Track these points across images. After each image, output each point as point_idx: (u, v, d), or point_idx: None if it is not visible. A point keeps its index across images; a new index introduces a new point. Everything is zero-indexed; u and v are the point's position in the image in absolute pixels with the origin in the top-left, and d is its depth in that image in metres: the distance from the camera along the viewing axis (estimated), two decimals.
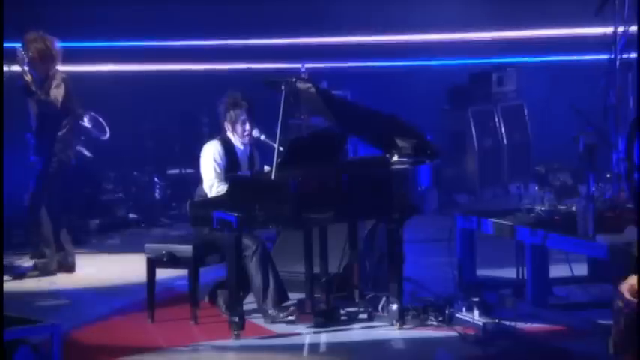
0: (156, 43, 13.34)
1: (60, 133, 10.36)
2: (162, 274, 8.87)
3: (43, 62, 10.30)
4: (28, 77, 10.20)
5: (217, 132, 9.06)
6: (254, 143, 8.97)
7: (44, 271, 10.39)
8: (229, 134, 8.89)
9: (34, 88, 10.18)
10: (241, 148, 8.90)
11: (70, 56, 10.78)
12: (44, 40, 10.32)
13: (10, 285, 9.96)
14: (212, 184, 8.63)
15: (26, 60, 10.23)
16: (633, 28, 9.02)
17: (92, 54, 12.82)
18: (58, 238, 10.49)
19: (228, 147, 8.82)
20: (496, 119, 11.82)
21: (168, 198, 12.72)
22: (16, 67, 10.34)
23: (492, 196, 10.62)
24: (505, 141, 11.88)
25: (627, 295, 4.79)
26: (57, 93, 10.28)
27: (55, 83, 10.30)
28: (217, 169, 8.69)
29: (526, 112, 12.27)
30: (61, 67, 10.46)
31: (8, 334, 6.07)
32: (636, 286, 4.82)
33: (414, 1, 12.72)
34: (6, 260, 10.57)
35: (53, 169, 10.37)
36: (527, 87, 12.14)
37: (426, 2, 12.73)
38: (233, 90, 9.03)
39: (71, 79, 10.52)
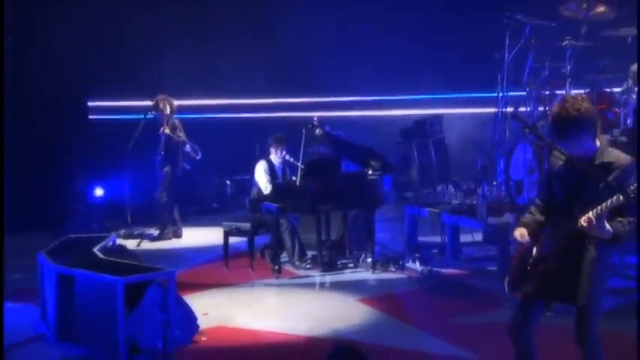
0: (231, 101, 13.33)
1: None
2: (232, 240, 8.82)
3: (169, 113, 10.21)
4: (167, 131, 10.10)
5: (263, 154, 9.06)
6: (285, 162, 8.93)
7: (165, 237, 10.35)
8: (271, 156, 8.87)
9: (175, 139, 10.09)
10: (277, 165, 8.88)
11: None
12: (169, 99, 10.24)
13: (144, 246, 9.99)
14: (266, 186, 8.61)
15: (166, 113, 10.12)
16: (510, 93, 8.94)
17: (193, 107, 12.81)
18: (173, 218, 10.46)
19: (270, 164, 8.83)
20: (429, 147, 11.72)
21: (235, 194, 12.62)
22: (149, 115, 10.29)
23: (427, 194, 10.56)
24: (434, 160, 11.79)
25: (518, 238, 4.47)
26: (182, 134, 10.23)
27: (179, 129, 10.21)
28: (267, 177, 8.70)
29: (447, 142, 12.18)
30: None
31: (144, 277, 5.97)
32: (522, 233, 4.46)
33: (383, 75, 12.62)
34: (139, 230, 10.57)
35: (175, 176, 10.31)
36: (448, 128, 12.07)
37: (389, 77, 12.68)
38: (276, 131, 9.10)
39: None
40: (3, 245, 6.59)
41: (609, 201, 4.02)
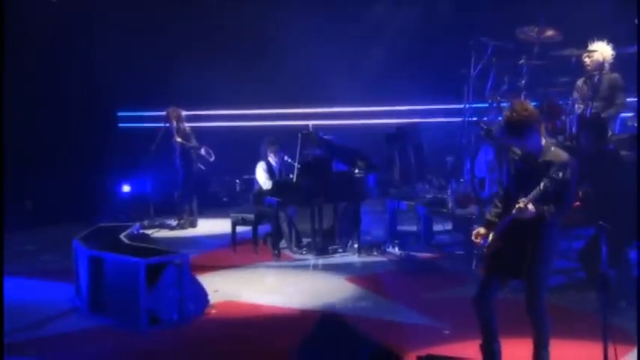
0: (240, 111, 13.28)
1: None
2: (239, 229, 8.77)
3: (179, 122, 10.17)
4: (179, 140, 10.06)
5: (261, 156, 8.95)
6: (283, 162, 8.87)
7: (182, 227, 10.33)
8: (269, 158, 8.82)
9: (187, 146, 10.06)
10: (274, 165, 8.84)
11: (194, 117, 10.78)
12: (177, 110, 10.17)
13: (164, 234, 9.98)
14: (265, 182, 8.61)
15: (174, 125, 10.06)
16: (475, 105, 8.80)
17: (205, 116, 12.81)
18: (191, 209, 10.42)
19: (268, 164, 8.79)
20: (409, 150, 11.62)
21: (243, 190, 12.48)
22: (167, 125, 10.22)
23: (407, 189, 10.48)
24: (413, 161, 11.70)
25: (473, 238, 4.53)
26: (193, 140, 10.21)
27: (190, 136, 10.18)
28: (266, 175, 8.68)
29: (424, 146, 12.10)
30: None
31: (163, 259, 6.00)
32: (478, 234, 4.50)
33: (370, 89, 12.56)
34: (160, 220, 10.52)
35: (191, 175, 10.29)
36: (424, 134, 12.03)
37: (374, 91, 12.65)
38: (269, 135, 9.06)
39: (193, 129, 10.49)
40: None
41: (537, 189, 4.14)
